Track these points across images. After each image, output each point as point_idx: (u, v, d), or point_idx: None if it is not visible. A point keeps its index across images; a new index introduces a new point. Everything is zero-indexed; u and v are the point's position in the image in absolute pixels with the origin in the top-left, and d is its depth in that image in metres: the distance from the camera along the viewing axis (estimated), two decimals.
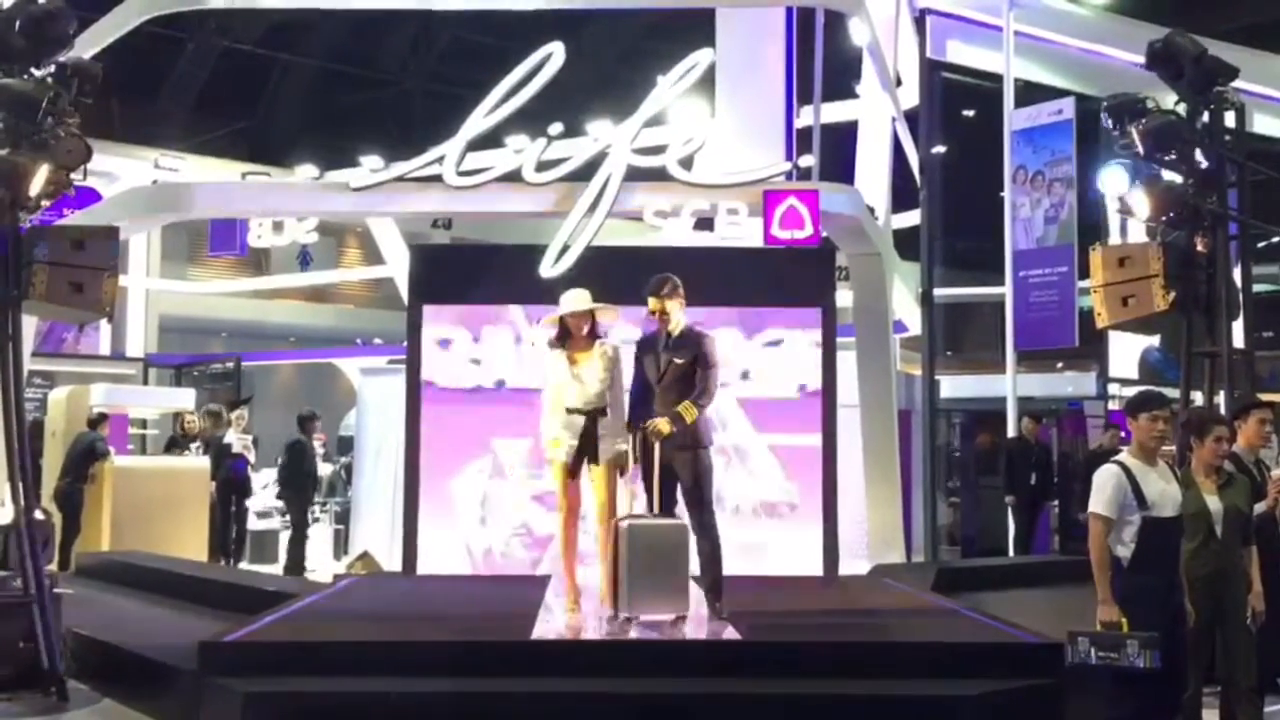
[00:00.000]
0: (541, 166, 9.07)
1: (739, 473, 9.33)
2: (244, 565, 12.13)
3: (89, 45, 8.96)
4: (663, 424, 6.56)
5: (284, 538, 12.38)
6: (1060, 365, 17.18)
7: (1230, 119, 7.49)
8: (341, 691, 5.62)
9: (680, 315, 6.86)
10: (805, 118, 13.55)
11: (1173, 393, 7.01)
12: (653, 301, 6.85)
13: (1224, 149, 7.36)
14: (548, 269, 8.99)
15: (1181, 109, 7.26)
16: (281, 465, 12.08)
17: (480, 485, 9.26)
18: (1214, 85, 7.23)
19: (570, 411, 6.84)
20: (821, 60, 14.18)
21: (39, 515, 6.81)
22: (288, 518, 12.08)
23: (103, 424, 11.45)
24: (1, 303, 6.59)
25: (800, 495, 9.36)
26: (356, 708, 5.54)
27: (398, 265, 18.52)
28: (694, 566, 6.71)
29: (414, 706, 5.53)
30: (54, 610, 6.55)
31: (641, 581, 6.34)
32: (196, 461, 11.98)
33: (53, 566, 8.77)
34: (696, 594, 6.72)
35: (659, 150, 9.21)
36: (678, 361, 6.73)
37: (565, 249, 9.01)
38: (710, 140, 10.30)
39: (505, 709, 5.57)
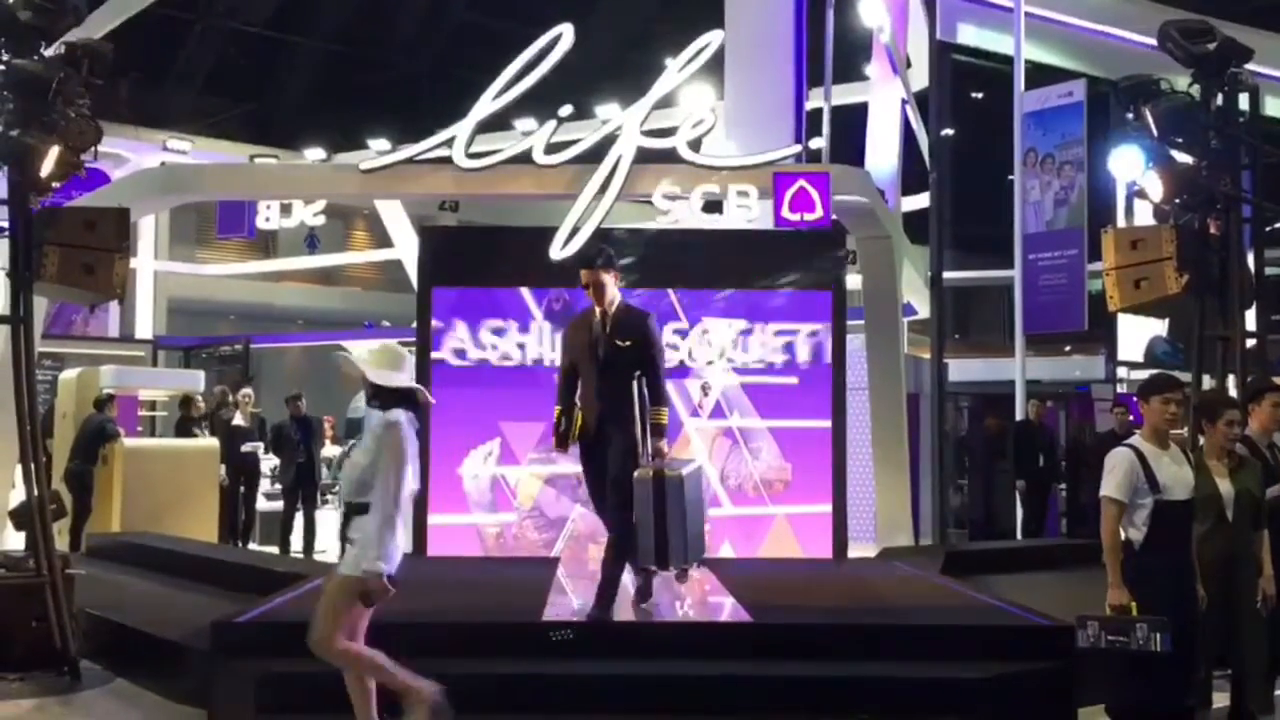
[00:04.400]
0: (551, 149, 9.05)
1: (741, 454, 9.31)
2: (253, 546, 12.18)
3: (98, 26, 8.96)
4: (664, 445, 6.22)
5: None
6: (1068, 349, 17.17)
7: (1244, 101, 7.44)
8: None
9: (615, 291, 6.35)
10: (815, 100, 13.51)
11: (1183, 377, 6.99)
12: (585, 274, 6.29)
13: (1237, 131, 7.32)
14: (557, 251, 8.98)
15: (1195, 91, 7.22)
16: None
17: (490, 468, 9.27)
18: (1228, 68, 7.19)
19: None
20: (832, 42, 14.14)
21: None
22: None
23: (110, 405, 11.48)
24: (13, 284, 6.61)
25: (795, 474, 9.31)
26: None
27: (406, 248, 18.56)
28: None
29: None
30: (66, 591, 6.58)
31: (688, 531, 6.08)
32: (206, 443, 12.01)
33: (64, 547, 8.82)
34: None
35: (669, 133, 9.19)
36: (620, 344, 6.21)
37: (575, 231, 9.00)
38: (720, 123, 10.27)
39: (517, 690, 5.59)
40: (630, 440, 6.11)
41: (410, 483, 4.72)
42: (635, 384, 6.15)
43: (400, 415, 4.77)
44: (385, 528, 4.65)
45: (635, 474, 6.01)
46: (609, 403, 6.19)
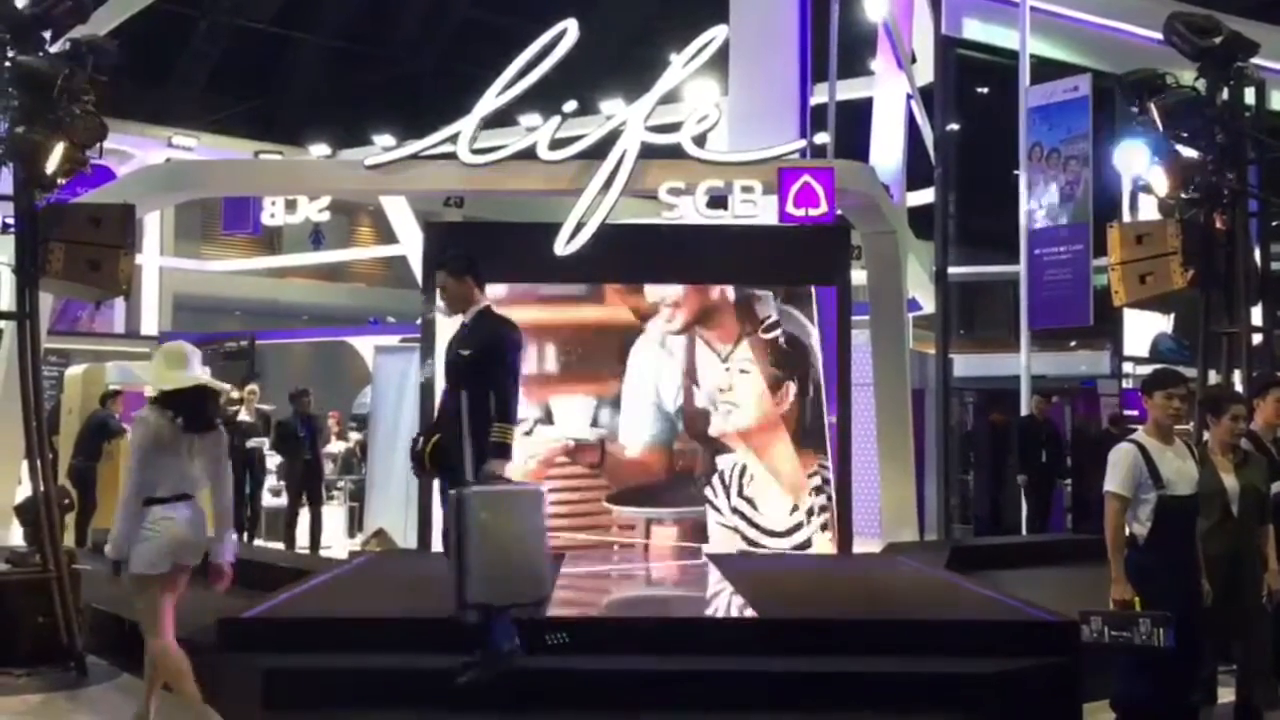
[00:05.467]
0: (555, 144, 9.06)
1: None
2: (258, 542, 12.20)
3: (103, 23, 8.96)
4: (496, 466, 5.24)
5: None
6: (1074, 344, 17.14)
7: (1250, 96, 7.43)
8: (358, 667, 5.65)
9: (473, 295, 5.61)
10: (820, 95, 13.48)
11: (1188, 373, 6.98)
12: (438, 275, 5.70)
13: (1243, 126, 7.30)
14: (562, 247, 8.99)
15: (1200, 85, 7.20)
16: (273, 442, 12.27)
17: None
18: (1233, 61, 7.17)
19: None
20: (836, 37, 14.12)
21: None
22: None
23: (114, 401, 11.50)
24: (19, 280, 6.62)
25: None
26: (373, 683, 5.57)
27: (410, 244, 18.59)
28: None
29: (430, 682, 5.56)
30: (73, 586, 6.60)
31: (492, 562, 5.02)
32: None
33: (70, 543, 8.84)
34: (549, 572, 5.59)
35: (673, 128, 9.18)
36: (463, 353, 5.48)
37: (579, 227, 9.01)
38: (724, 118, 10.27)
39: (520, 685, 5.59)
40: (461, 459, 5.28)
41: (140, 476, 5.00)
42: (474, 396, 5.33)
43: (146, 414, 5.07)
44: (120, 518, 5.04)
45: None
46: (453, 418, 5.41)
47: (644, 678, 5.62)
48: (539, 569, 5.18)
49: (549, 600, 5.06)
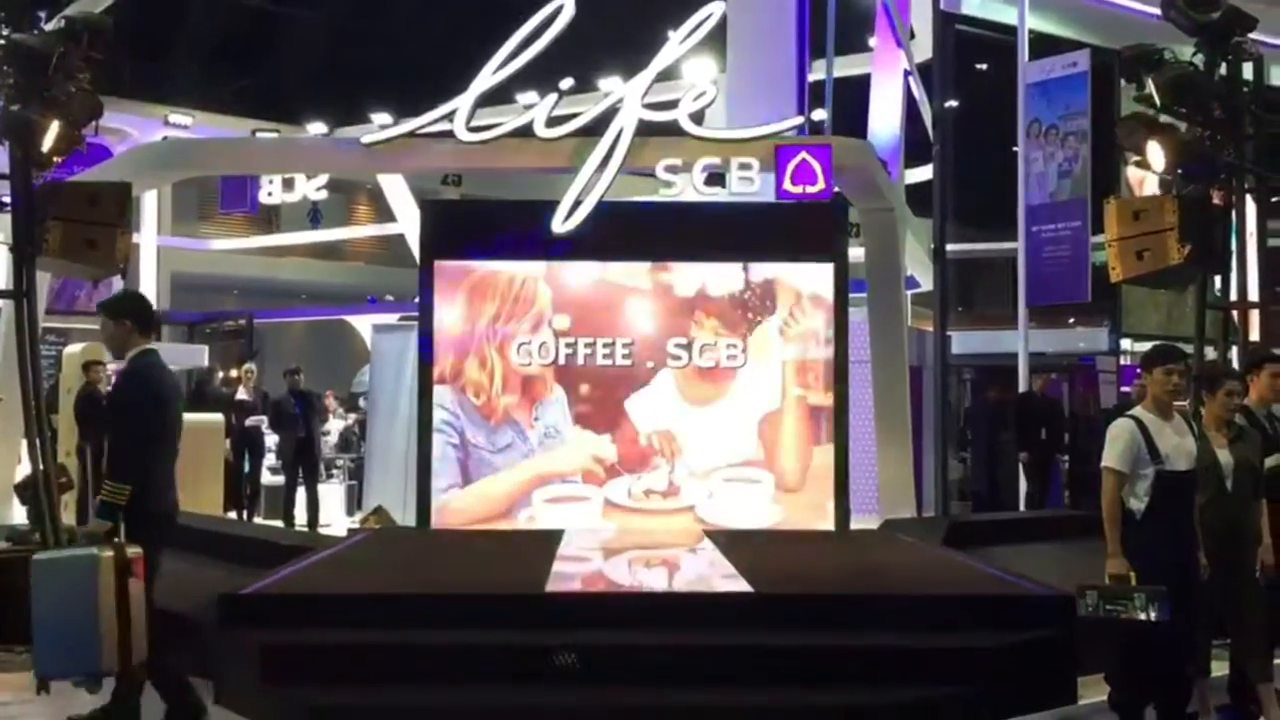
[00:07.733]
0: (552, 122, 9.04)
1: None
2: (258, 520, 12.25)
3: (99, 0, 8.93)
4: (94, 526, 4.87)
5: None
6: (1072, 320, 17.16)
7: (1248, 70, 7.41)
8: (356, 643, 5.69)
9: (129, 340, 5.16)
10: (817, 72, 13.43)
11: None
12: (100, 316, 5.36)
13: (1241, 101, 7.28)
14: (559, 225, 8.98)
15: (1199, 61, 7.18)
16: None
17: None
18: (1231, 36, 7.15)
19: None
20: (834, 13, 14.06)
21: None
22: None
23: (96, 369, 11.55)
24: (16, 259, 6.62)
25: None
26: (372, 658, 5.60)
27: (408, 222, 18.57)
28: None
29: (426, 657, 5.59)
30: None
31: (51, 633, 4.65)
32: (211, 418, 12.05)
33: (71, 521, 8.87)
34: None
35: (670, 105, 9.17)
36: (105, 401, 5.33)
37: (577, 204, 9.00)
38: (721, 95, 10.24)
39: (519, 661, 5.62)
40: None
41: None
42: (107, 449, 5.11)
43: None
44: None
45: None
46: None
47: (641, 652, 5.65)
48: (87, 642, 4.61)
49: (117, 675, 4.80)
